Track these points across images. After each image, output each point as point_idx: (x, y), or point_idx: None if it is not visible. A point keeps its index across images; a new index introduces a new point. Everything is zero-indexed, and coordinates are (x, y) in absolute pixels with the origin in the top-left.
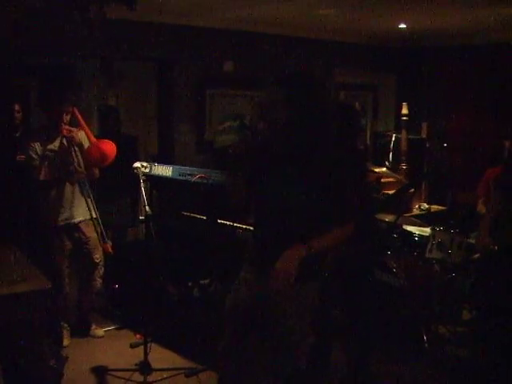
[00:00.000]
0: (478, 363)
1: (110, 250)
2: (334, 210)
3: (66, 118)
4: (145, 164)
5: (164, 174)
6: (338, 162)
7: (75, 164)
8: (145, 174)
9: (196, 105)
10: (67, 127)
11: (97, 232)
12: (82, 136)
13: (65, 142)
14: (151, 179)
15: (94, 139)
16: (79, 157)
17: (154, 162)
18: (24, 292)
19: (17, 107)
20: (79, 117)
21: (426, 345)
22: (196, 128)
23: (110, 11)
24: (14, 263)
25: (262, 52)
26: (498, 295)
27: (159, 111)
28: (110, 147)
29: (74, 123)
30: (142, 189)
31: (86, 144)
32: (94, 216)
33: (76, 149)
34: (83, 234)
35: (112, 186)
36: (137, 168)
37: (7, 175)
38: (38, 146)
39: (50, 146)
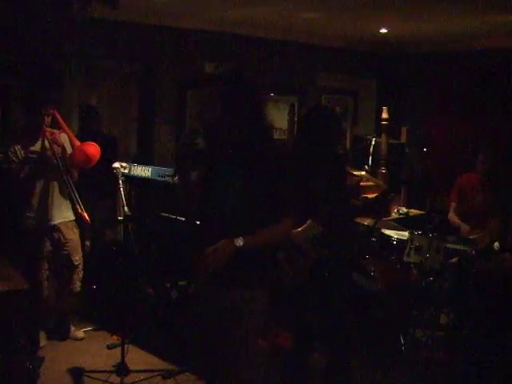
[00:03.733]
0: (455, 367)
1: (87, 218)
2: (270, 207)
3: (47, 120)
4: (124, 164)
5: (143, 175)
6: (276, 158)
7: (57, 163)
8: (124, 175)
9: (177, 106)
10: (49, 129)
11: (77, 213)
12: (64, 138)
13: (46, 143)
14: (130, 180)
15: (77, 142)
16: (61, 158)
17: (133, 162)
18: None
19: None
20: (60, 120)
21: (404, 348)
22: (176, 129)
23: (92, 11)
24: None
25: (244, 54)
26: (475, 299)
27: (140, 112)
28: (93, 149)
29: (55, 125)
30: (121, 189)
31: (68, 146)
32: (73, 218)
33: (58, 151)
34: (63, 235)
35: (91, 186)
36: (116, 168)
37: None
38: (18, 149)
39: (32, 148)
